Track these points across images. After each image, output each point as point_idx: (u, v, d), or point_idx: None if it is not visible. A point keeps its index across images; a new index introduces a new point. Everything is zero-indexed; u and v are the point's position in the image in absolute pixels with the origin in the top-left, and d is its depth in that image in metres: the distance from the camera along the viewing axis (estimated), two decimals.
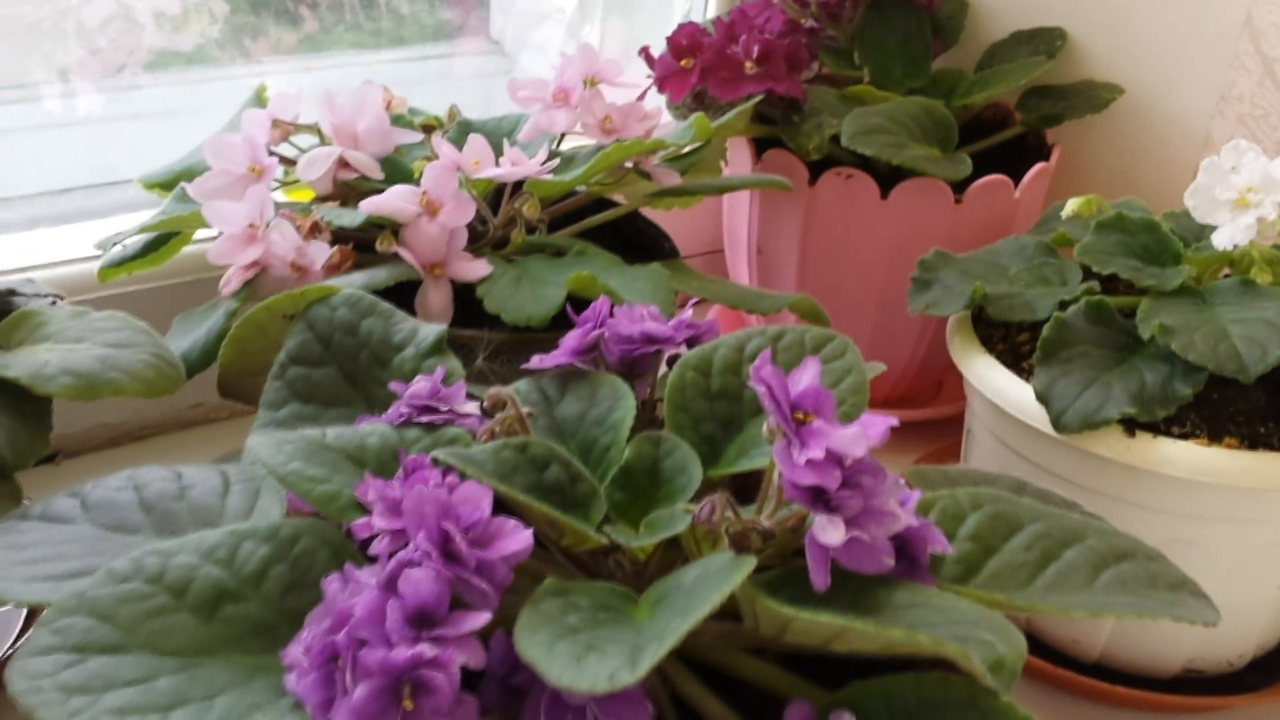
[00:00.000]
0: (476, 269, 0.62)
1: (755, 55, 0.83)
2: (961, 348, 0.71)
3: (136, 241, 0.73)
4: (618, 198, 0.79)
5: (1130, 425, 0.62)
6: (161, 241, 0.74)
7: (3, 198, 0.80)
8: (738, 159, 0.90)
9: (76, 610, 0.41)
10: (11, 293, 0.59)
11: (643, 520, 0.44)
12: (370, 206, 0.62)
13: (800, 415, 0.38)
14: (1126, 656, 0.69)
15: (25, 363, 0.55)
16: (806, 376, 0.39)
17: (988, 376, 0.68)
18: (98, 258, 0.75)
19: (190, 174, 0.77)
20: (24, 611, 0.66)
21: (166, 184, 0.79)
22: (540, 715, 0.38)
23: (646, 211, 0.80)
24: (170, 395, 0.57)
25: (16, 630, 0.65)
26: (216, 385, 0.60)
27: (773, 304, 0.65)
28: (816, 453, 0.37)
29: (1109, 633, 0.68)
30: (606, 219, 0.75)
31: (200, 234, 0.76)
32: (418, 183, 0.64)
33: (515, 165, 0.64)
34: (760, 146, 0.88)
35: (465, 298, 0.63)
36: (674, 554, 0.45)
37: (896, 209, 0.84)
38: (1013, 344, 0.71)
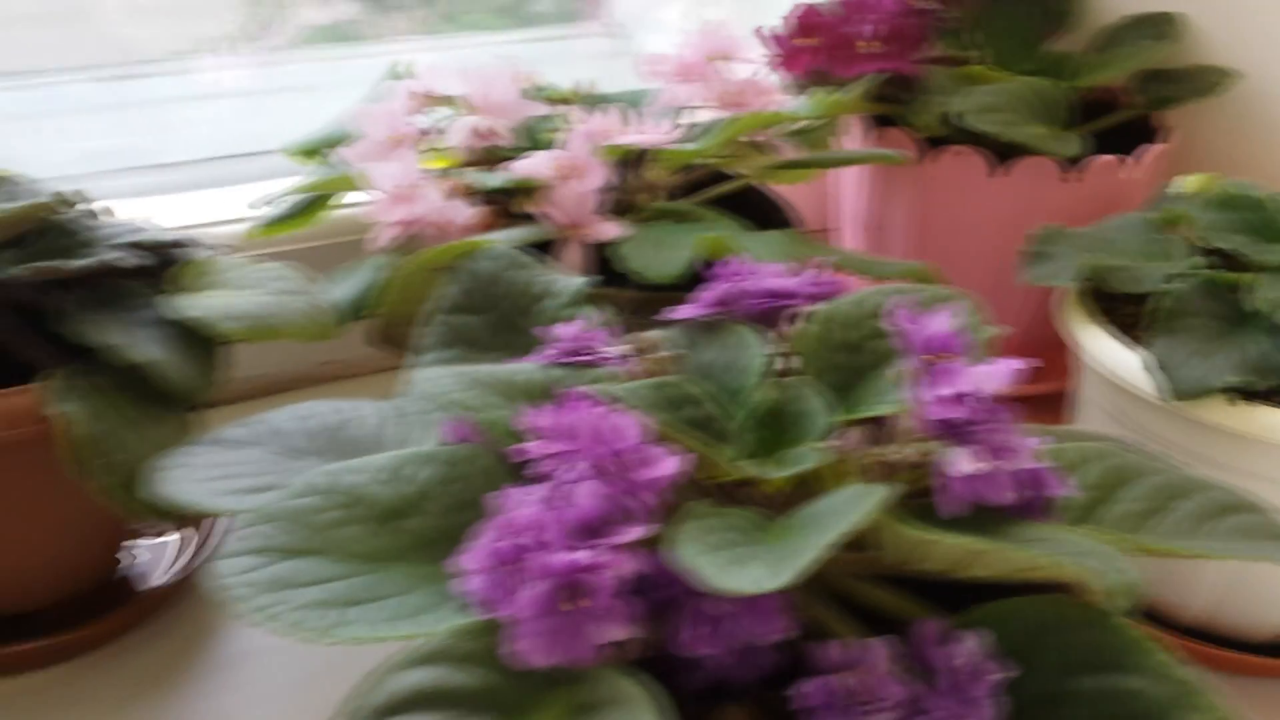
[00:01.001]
0: (610, 230, 0.66)
1: (874, 35, 0.86)
2: (1073, 318, 0.73)
3: (286, 204, 0.78)
4: (735, 171, 0.82)
5: (1237, 395, 0.64)
6: (306, 206, 0.79)
7: (164, 163, 0.85)
8: (851, 136, 0.92)
9: (264, 520, 0.45)
10: (182, 244, 0.64)
11: (773, 458, 0.48)
12: (517, 170, 0.66)
13: (933, 356, 0.41)
14: (1224, 620, 0.70)
15: (202, 305, 0.60)
16: (938, 322, 0.42)
17: (1099, 346, 0.70)
18: (245, 219, 0.81)
19: (333, 142, 0.83)
20: (175, 539, 0.72)
21: (310, 151, 0.84)
22: (685, 625, 0.41)
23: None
24: (311, 347, 0.62)
25: (172, 557, 0.70)
26: (366, 334, 0.64)
27: (893, 270, 0.68)
28: (949, 390, 0.40)
29: (1207, 594, 0.70)
30: (725, 191, 0.78)
31: (341, 199, 0.81)
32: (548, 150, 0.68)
33: (647, 134, 0.68)
34: (872, 124, 0.90)
35: (596, 257, 0.67)
36: (801, 491, 0.48)
37: (1008, 186, 0.86)
38: (1118, 316, 0.73)
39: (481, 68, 0.76)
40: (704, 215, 0.70)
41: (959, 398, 0.40)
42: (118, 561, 0.69)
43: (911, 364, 0.41)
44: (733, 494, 0.47)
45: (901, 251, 0.92)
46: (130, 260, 0.60)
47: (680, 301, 0.57)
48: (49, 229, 0.61)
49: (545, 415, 0.45)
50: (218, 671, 0.65)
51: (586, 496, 0.41)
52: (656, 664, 0.42)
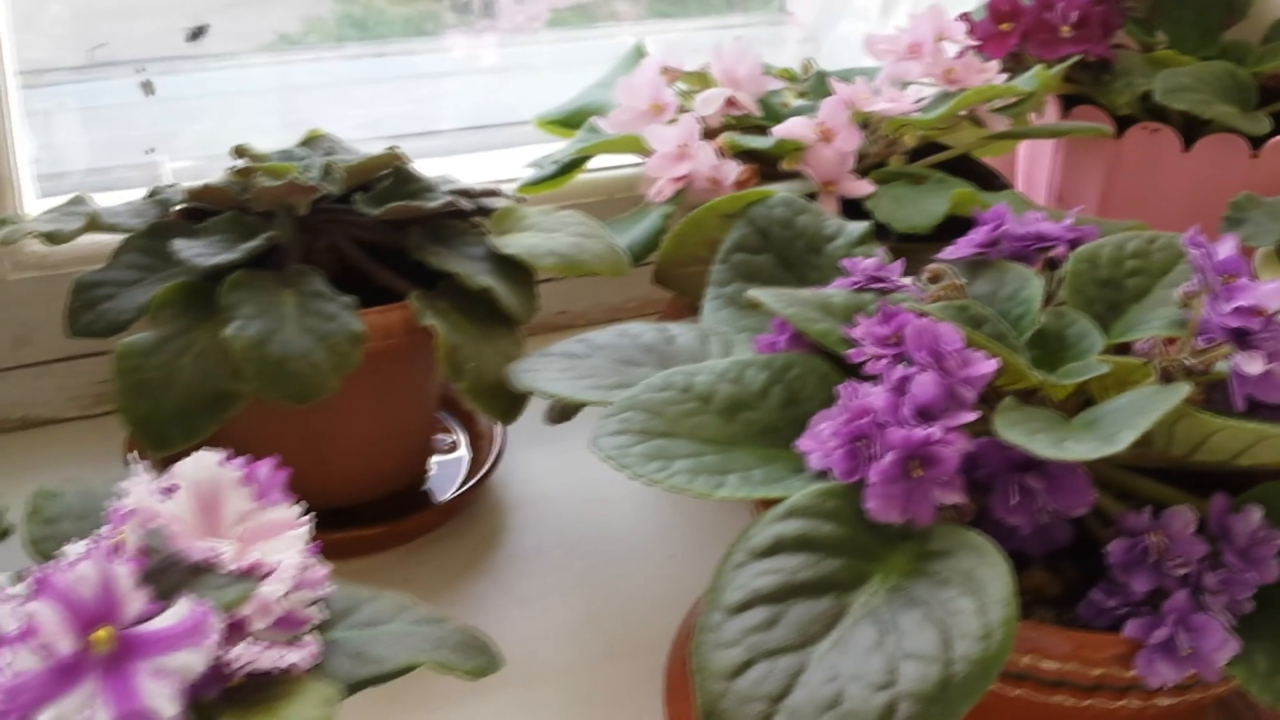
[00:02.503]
0: (862, 187, 0.74)
1: (1073, 20, 0.94)
2: (1271, 275, 0.80)
3: (550, 166, 0.87)
4: (945, 141, 0.90)
5: None
6: (564, 168, 0.89)
7: (430, 130, 0.96)
8: (1046, 113, 1.00)
9: (632, 408, 0.55)
10: (493, 193, 0.73)
11: (1057, 371, 0.56)
12: (780, 132, 0.74)
13: (1224, 276, 0.49)
14: None
15: (518, 244, 0.70)
16: (1227, 247, 0.50)
17: None
18: (505, 180, 0.91)
19: (582, 113, 0.92)
20: (465, 457, 0.81)
21: (560, 122, 0.94)
22: (1003, 497, 0.50)
23: None
24: (596, 289, 0.70)
25: (462, 475, 0.80)
26: (653, 275, 0.73)
27: (1112, 228, 0.76)
28: (1241, 302, 0.48)
29: None
30: (943, 159, 0.86)
31: (592, 164, 0.91)
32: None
33: (893, 102, 0.76)
34: (1065, 104, 0.98)
35: (844, 211, 0.75)
36: (1076, 399, 0.56)
37: (1197, 161, 0.93)
38: None
39: (726, 46, 0.85)
40: (933, 177, 0.79)
41: (1248, 310, 0.48)
42: (425, 471, 0.79)
43: (1205, 282, 0.49)
44: (1026, 399, 0.56)
45: None
46: (465, 204, 0.70)
47: (926, 250, 0.65)
48: (387, 177, 0.71)
49: (873, 325, 0.54)
50: (509, 564, 0.75)
51: (926, 386, 0.49)
52: None
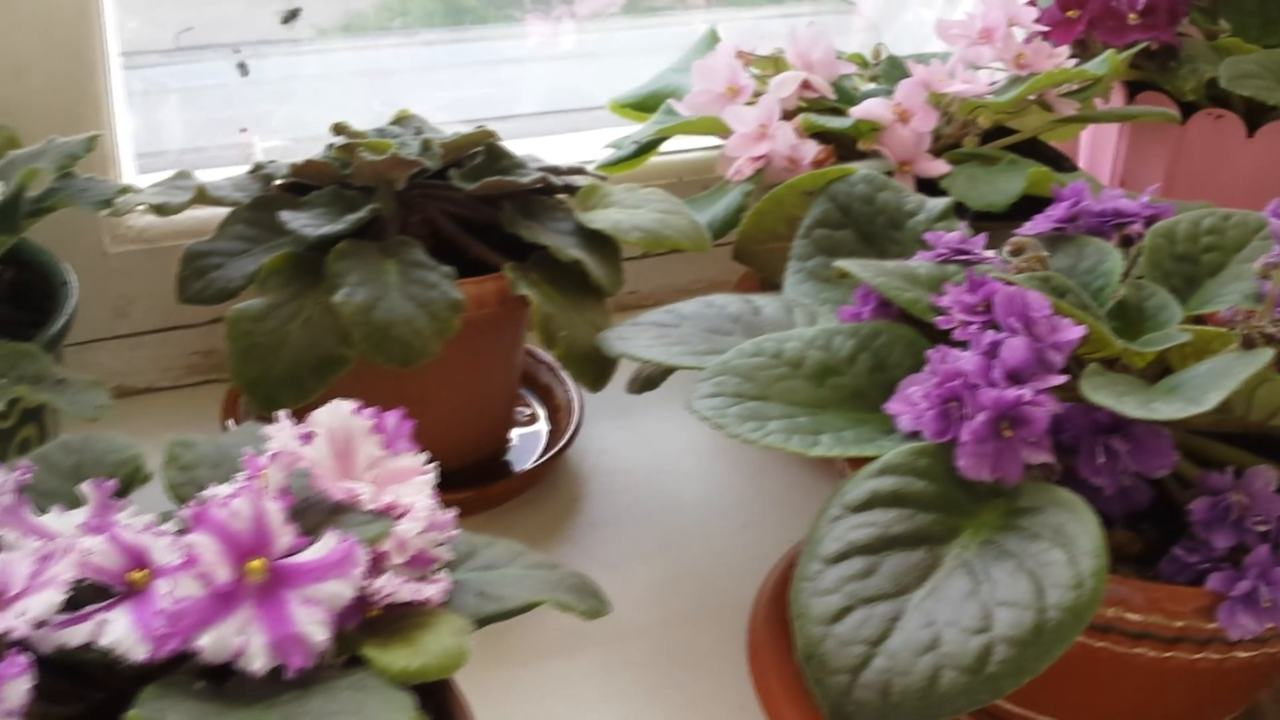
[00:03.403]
0: (937, 167, 0.76)
1: (1139, 8, 0.95)
2: None
3: (628, 148, 0.90)
4: (1013, 125, 0.92)
5: None
6: (640, 150, 0.91)
7: (508, 114, 0.99)
8: (1111, 100, 1.01)
9: (726, 373, 0.57)
10: (578, 171, 0.76)
11: (1138, 340, 0.58)
12: (858, 112, 0.77)
13: None
14: None
15: (605, 219, 0.72)
16: None
17: None
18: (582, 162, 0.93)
19: (655, 97, 0.95)
20: (544, 429, 0.84)
21: (634, 106, 0.96)
22: (1089, 458, 0.52)
23: None
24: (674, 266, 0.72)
25: (540, 447, 0.83)
26: (733, 251, 0.76)
27: (1185, 208, 0.77)
28: None
29: None
30: (1012, 142, 0.88)
31: (662, 148, 0.93)
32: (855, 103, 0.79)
33: (969, 84, 0.78)
34: (1129, 90, 0.99)
35: (919, 191, 0.77)
36: (1155, 368, 0.58)
37: (1260, 147, 0.94)
38: None
39: (800, 31, 0.87)
40: (1005, 158, 0.80)
41: None
42: (507, 442, 0.82)
43: None
44: (1108, 367, 0.57)
45: None
46: (555, 180, 0.72)
47: (1002, 227, 0.67)
48: (479, 154, 0.74)
49: (962, 294, 0.56)
50: (589, 531, 0.78)
51: (1017, 350, 0.51)
52: None
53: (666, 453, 0.86)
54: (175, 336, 0.86)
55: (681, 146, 0.99)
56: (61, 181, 0.61)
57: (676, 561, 0.76)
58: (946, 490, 0.51)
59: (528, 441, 0.83)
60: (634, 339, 0.63)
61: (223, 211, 0.71)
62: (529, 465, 0.80)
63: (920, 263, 0.61)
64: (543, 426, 0.84)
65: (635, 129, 0.94)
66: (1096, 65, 0.83)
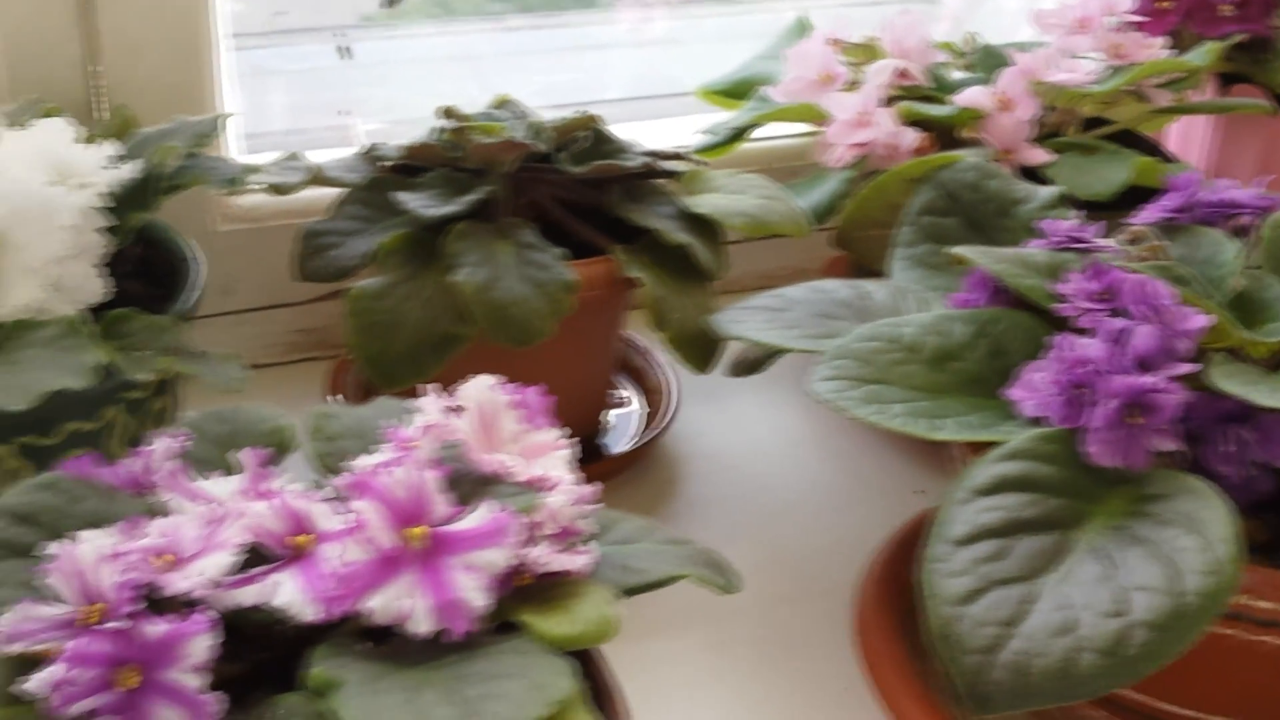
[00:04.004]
0: (1039, 155, 0.76)
1: (1232, 0, 0.95)
2: None
3: (722, 133, 0.90)
4: (1106, 115, 0.92)
5: None
6: (730, 136, 0.91)
7: (595, 99, 0.99)
8: (1197, 91, 1.01)
9: (844, 356, 0.58)
10: (679, 156, 0.77)
11: (1259, 330, 0.58)
12: (961, 100, 0.77)
13: None
14: None
15: (708, 204, 0.73)
16: None
17: None
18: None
19: (744, 84, 0.95)
20: (638, 412, 0.85)
21: (722, 93, 0.97)
22: (1215, 446, 0.52)
23: None
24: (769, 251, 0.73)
25: (635, 429, 0.84)
26: (833, 237, 0.76)
27: None
28: None
29: None
30: (1107, 133, 0.88)
31: (757, 134, 0.94)
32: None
33: (1071, 74, 0.78)
34: (1221, 82, 0.99)
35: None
36: (1276, 358, 0.58)
37: None
38: None
39: (896, 18, 0.87)
40: (1105, 148, 0.80)
41: None
42: (603, 424, 0.83)
43: None
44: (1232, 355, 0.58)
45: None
46: (659, 165, 0.73)
47: (1103, 217, 0.67)
48: (585, 138, 0.74)
49: (1084, 281, 0.56)
50: (685, 512, 0.78)
51: (1146, 337, 0.52)
52: None
53: (757, 437, 0.86)
54: (278, 314, 0.87)
55: (767, 134, 0.99)
56: (188, 160, 0.62)
57: (772, 544, 0.76)
58: (1074, 476, 0.51)
59: (621, 424, 0.84)
60: (746, 322, 0.64)
61: (325, 192, 0.72)
62: (627, 447, 0.80)
63: (1035, 250, 0.62)
64: (635, 409, 0.85)
65: (721, 116, 0.94)
66: (1197, 56, 0.83)
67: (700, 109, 1.00)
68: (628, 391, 0.87)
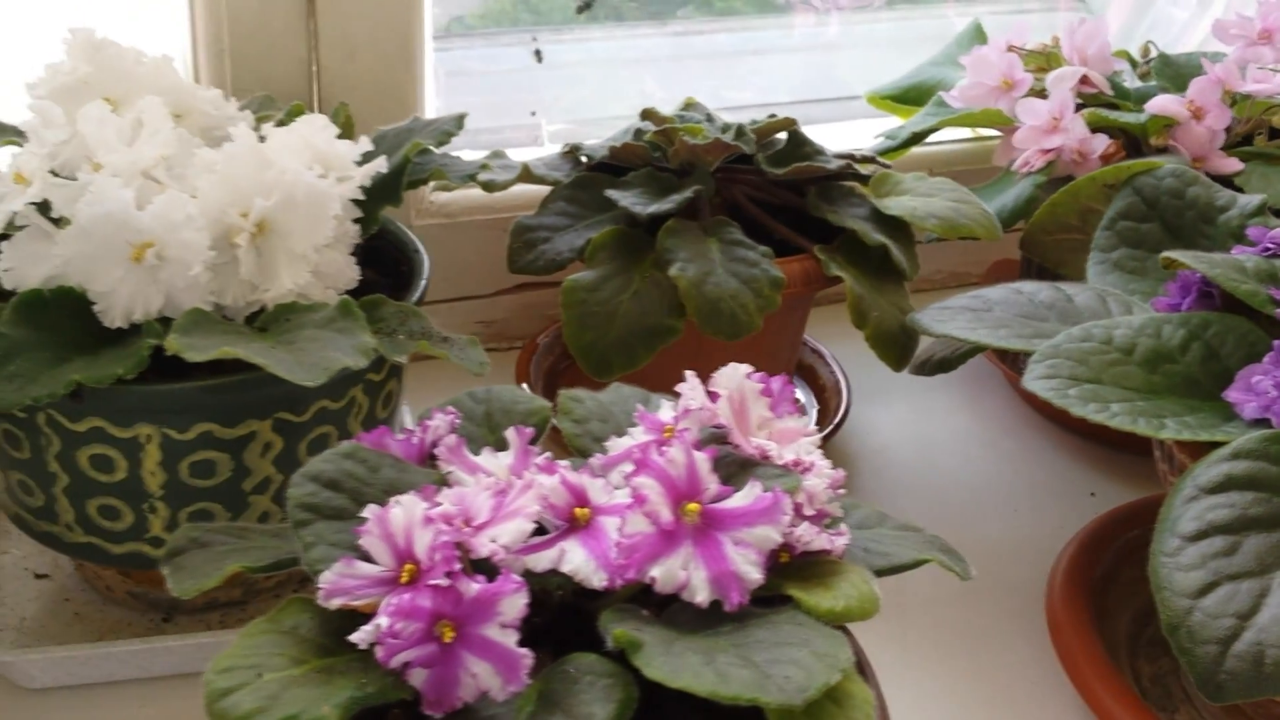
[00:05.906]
0: (1231, 164, 0.77)
1: None
2: None
3: (901, 136, 0.92)
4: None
5: None
6: (906, 140, 0.93)
7: (764, 103, 1.02)
8: None
9: (1058, 356, 0.59)
10: (870, 159, 0.78)
11: None
12: (1152, 108, 0.78)
13: None
14: None
15: (900, 206, 0.75)
16: None
17: None
18: None
19: (915, 90, 0.97)
20: (814, 409, 0.87)
21: (893, 98, 0.99)
22: None
23: None
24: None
25: (841, 415, 0.85)
26: (1021, 241, 0.78)
27: None
28: None
29: None
30: None
31: (934, 138, 0.95)
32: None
33: (1262, 83, 0.78)
34: None
35: None
36: None
37: None
38: None
39: (1077, 26, 0.88)
40: None
41: None
42: None
43: None
44: None
45: None
46: (855, 167, 0.75)
47: None
48: (781, 140, 0.77)
49: None
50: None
51: None
52: None
53: (926, 436, 0.88)
54: (461, 306, 0.91)
55: (937, 139, 1.00)
56: (423, 157, 0.66)
57: (951, 539, 0.77)
58: None
59: None
60: (951, 321, 0.66)
61: (510, 191, 0.75)
62: None
63: (1245, 256, 0.62)
64: (807, 405, 0.87)
65: (889, 121, 0.96)
66: None
67: (864, 113, 1.02)
68: (799, 389, 0.89)
